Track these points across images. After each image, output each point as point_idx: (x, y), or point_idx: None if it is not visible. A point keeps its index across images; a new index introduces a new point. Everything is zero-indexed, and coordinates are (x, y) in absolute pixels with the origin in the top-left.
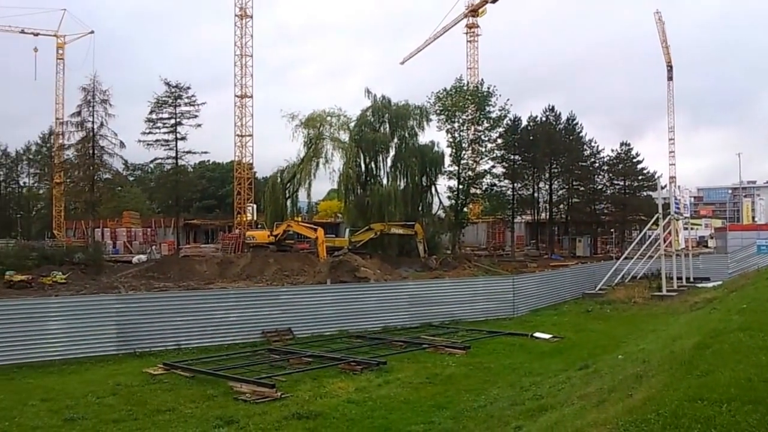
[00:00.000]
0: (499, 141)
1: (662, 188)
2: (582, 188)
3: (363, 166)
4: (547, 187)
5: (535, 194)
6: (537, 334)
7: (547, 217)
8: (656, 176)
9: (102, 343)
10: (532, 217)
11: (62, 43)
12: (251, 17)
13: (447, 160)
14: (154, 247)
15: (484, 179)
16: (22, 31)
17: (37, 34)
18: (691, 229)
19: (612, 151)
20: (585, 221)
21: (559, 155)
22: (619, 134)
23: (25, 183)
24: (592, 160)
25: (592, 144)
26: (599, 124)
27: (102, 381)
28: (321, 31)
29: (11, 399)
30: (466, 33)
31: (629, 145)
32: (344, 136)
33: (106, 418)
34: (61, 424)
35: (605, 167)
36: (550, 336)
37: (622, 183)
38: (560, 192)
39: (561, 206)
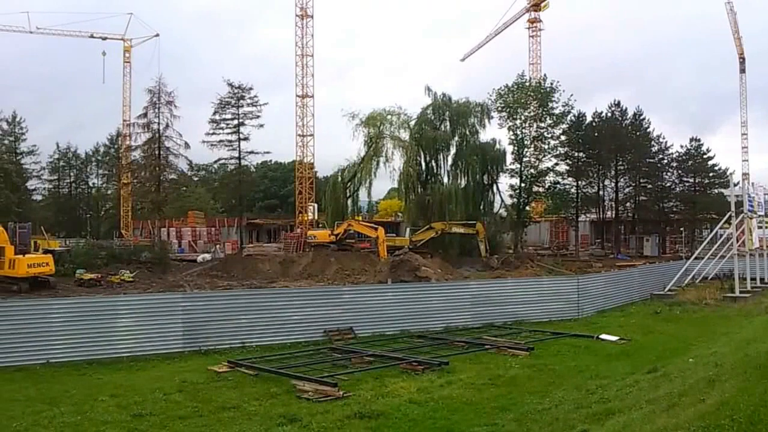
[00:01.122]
0: (563, 138)
1: (735, 185)
2: (649, 186)
3: (423, 164)
4: (613, 184)
5: (601, 192)
6: (603, 336)
7: (613, 215)
8: (728, 173)
9: (169, 341)
10: (597, 216)
11: (129, 46)
12: (312, 17)
13: (509, 158)
14: (218, 246)
15: (547, 177)
16: (91, 36)
17: (105, 39)
18: (766, 227)
19: (681, 147)
20: (653, 220)
21: (625, 152)
22: (689, 130)
23: (94, 184)
24: (660, 156)
25: (660, 140)
26: (667, 120)
27: (168, 378)
28: (381, 30)
29: (83, 394)
30: (528, 28)
31: (699, 140)
32: (404, 135)
33: (173, 414)
34: (129, 420)
35: (674, 164)
36: (617, 338)
37: (691, 180)
38: (627, 190)
39: (627, 204)
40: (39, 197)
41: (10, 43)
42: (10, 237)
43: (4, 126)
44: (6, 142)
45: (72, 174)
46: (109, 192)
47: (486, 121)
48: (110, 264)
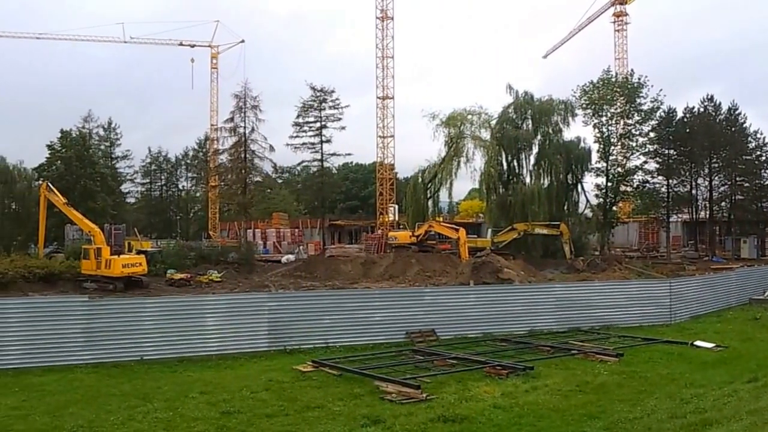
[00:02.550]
0: (652, 135)
1: None
2: (747, 184)
3: (505, 164)
4: (707, 183)
5: (693, 191)
6: (698, 343)
7: (707, 215)
8: None
9: (255, 340)
10: (689, 216)
11: (216, 53)
12: (392, 18)
13: (594, 157)
14: (301, 247)
15: (635, 176)
16: (181, 44)
17: (193, 46)
18: None
19: None
20: (750, 220)
21: (719, 148)
22: None
23: (183, 186)
24: (758, 153)
25: (758, 135)
26: (766, 114)
27: (255, 376)
28: (461, 29)
29: (174, 391)
30: (614, 22)
31: None
32: (485, 135)
33: (260, 412)
34: (218, 417)
35: None
36: (713, 345)
37: None
38: (722, 188)
39: (723, 204)
40: (132, 200)
41: (107, 53)
42: (105, 238)
43: (101, 132)
44: (102, 147)
45: (163, 177)
46: (197, 194)
47: (570, 119)
48: (199, 264)
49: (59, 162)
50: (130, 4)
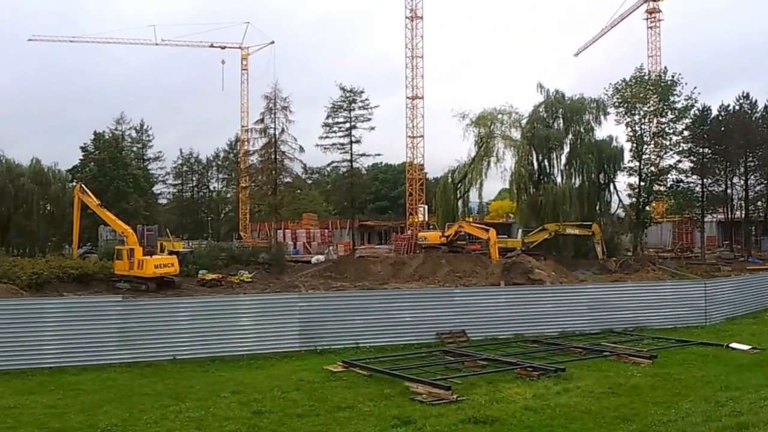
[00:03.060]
0: (686, 133)
1: None
2: None
3: (535, 164)
4: (742, 182)
5: (728, 190)
6: (734, 345)
7: (743, 215)
8: None
9: (286, 340)
10: (724, 216)
11: (246, 54)
12: (421, 18)
13: (626, 156)
14: (331, 247)
15: (669, 175)
16: (211, 45)
17: (224, 48)
18: None
19: None
20: None
21: (755, 147)
22: None
23: (214, 187)
24: None
25: None
26: None
27: (286, 376)
28: (491, 28)
29: (206, 390)
30: (647, 19)
31: None
32: (516, 134)
33: (291, 412)
34: (250, 416)
35: None
36: (749, 347)
37: None
38: (758, 188)
39: (759, 203)
40: (164, 201)
41: (139, 55)
42: (138, 239)
43: (133, 134)
44: (135, 149)
45: (194, 178)
46: (228, 195)
47: (602, 117)
48: (230, 265)
49: (93, 164)
50: (161, 7)
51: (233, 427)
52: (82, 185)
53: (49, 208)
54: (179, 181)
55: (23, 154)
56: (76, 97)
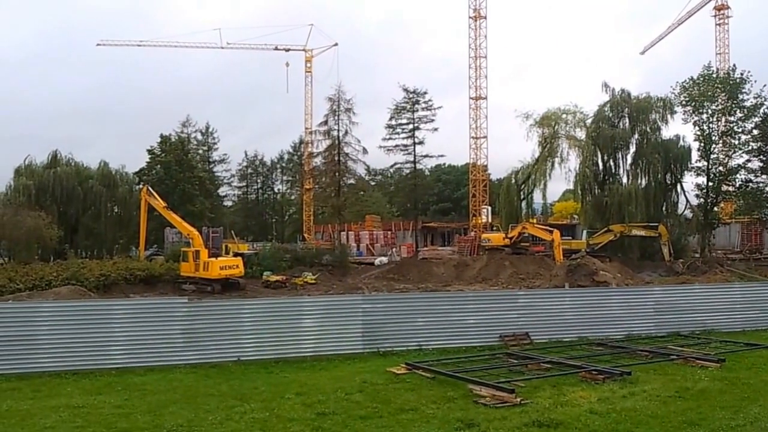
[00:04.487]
0: (755, 132)
1: None
2: None
3: (600, 164)
4: None
5: None
6: None
7: None
8: None
9: (349, 341)
10: None
11: (310, 56)
12: (485, 18)
13: (694, 155)
14: (394, 249)
15: (738, 175)
16: (276, 48)
17: (288, 50)
18: None
19: None
20: None
21: None
22: None
23: (278, 189)
24: None
25: None
26: None
27: (349, 378)
28: (556, 27)
29: (270, 391)
30: (715, 16)
31: None
32: (580, 134)
33: (354, 414)
34: (314, 418)
35: None
36: None
37: None
38: None
39: None
40: (229, 203)
41: (205, 58)
42: (204, 241)
43: (199, 136)
44: (200, 151)
45: (259, 181)
46: (292, 197)
47: (668, 116)
48: (294, 266)
49: (159, 166)
50: (227, 12)
51: (297, 428)
52: (149, 188)
53: (116, 210)
54: (244, 184)
55: (92, 156)
56: (144, 101)
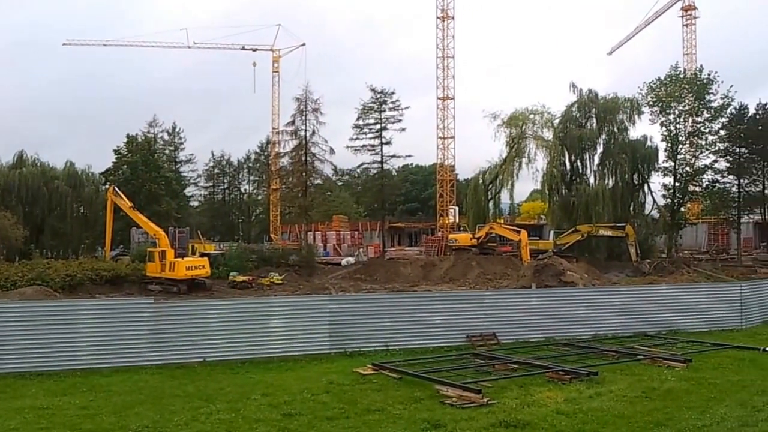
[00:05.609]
0: (722, 133)
1: None
2: None
3: (568, 164)
4: None
5: (766, 191)
6: None
7: None
8: None
9: (316, 342)
10: (761, 217)
11: (277, 56)
12: (452, 18)
13: (661, 156)
14: (361, 249)
15: (705, 175)
16: (243, 48)
17: (255, 50)
18: None
19: None
20: None
21: None
22: None
23: (245, 190)
24: None
25: None
26: None
27: (316, 378)
28: (523, 28)
29: (236, 392)
30: (682, 16)
31: None
32: (548, 134)
33: (321, 415)
34: (280, 419)
35: None
36: None
37: None
38: None
39: None
40: (196, 203)
41: (173, 58)
42: (170, 241)
43: (165, 136)
44: (167, 151)
45: (225, 181)
46: (259, 197)
47: (636, 117)
48: (260, 267)
49: (125, 166)
50: (194, 10)
51: (263, 429)
52: (115, 188)
53: (82, 210)
54: (210, 184)
55: (57, 157)
56: (110, 101)
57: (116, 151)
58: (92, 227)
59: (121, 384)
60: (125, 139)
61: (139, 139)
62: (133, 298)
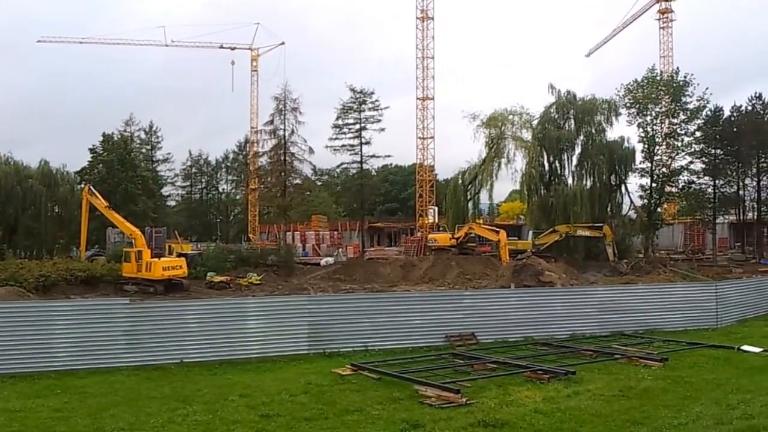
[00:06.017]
0: (698, 134)
1: None
2: None
3: (546, 165)
4: (755, 183)
5: (741, 192)
6: (745, 347)
7: (755, 216)
8: None
9: (295, 343)
10: (736, 217)
11: (256, 55)
12: (432, 19)
13: (638, 157)
14: (340, 249)
15: (681, 176)
16: (221, 47)
17: (233, 49)
18: None
19: None
20: None
21: None
22: None
23: (223, 189)
24: None
25: None
26: None
27: (294, 379)
28: (503, 29)
29: (213, 393)
30: (659, 19)
31: None
32: (527, 135)
33: (299, 415)
34: (258, 420)
35: None
36: (761, 349)
37: None
38: None
39: None
40: (173, 203)
41: (150, 57)
42: (146, 241)
43: (142, 135)
44: (143, 150)
45: (203, 180)
46: (237, 197)
47: (613, 118)
48: (239, 267)
49: (101, 165)
50: (171, 8)
51: (241, 430)
52: (91, 187)
53: (57, 210)
54: (188, 183)
55: (32, 155)
56: (86, 100)
57: (92, 150)
58: (67, 227)
59: (96, 386)
60: (101, 138)
61: (116, 138)
62: (108, 299)
